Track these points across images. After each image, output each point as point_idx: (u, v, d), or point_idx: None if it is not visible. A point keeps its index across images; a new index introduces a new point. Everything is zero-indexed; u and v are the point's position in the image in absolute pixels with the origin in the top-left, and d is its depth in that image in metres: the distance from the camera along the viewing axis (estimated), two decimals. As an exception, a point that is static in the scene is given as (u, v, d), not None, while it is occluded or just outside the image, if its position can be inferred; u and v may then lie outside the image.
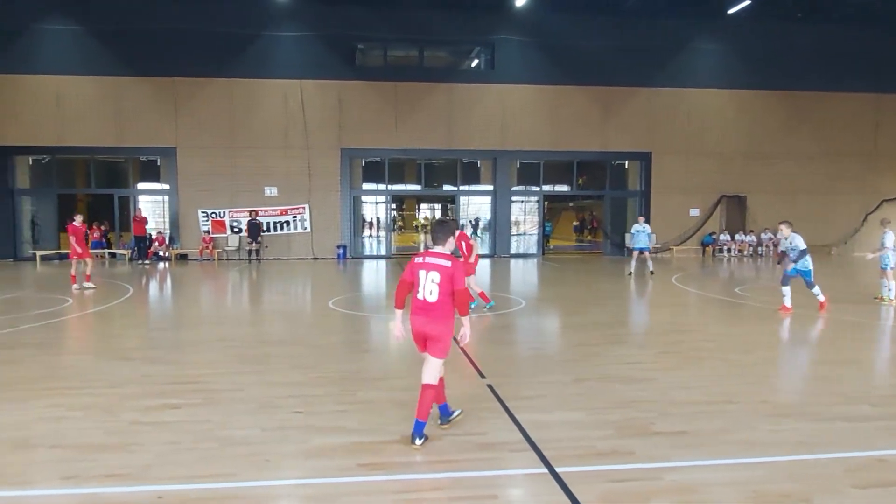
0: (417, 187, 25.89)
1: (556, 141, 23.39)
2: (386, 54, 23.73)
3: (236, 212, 21.90)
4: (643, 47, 23.02)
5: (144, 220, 21.32)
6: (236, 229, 21.94)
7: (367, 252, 24.98)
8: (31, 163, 22.69)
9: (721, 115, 24.09)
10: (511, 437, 4.87)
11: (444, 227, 4.94)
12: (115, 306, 11.90)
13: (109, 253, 22.64)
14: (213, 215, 21.78)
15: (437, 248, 4.87)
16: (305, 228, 22.20)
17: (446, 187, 25.86)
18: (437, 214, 34.34)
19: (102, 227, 23.31)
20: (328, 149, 22.40)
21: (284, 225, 22.16)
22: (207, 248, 21.59)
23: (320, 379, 6.57)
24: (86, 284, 13.79)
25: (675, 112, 23.86)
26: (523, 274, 19.26)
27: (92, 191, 23.70)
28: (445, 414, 5.05)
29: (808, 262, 10.57)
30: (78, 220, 14.09)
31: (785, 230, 10.74)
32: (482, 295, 10.96)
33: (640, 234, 16.91)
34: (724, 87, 23.99)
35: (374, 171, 23.77)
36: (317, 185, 22.40)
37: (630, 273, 16.66)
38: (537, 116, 23.33)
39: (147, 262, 20.85)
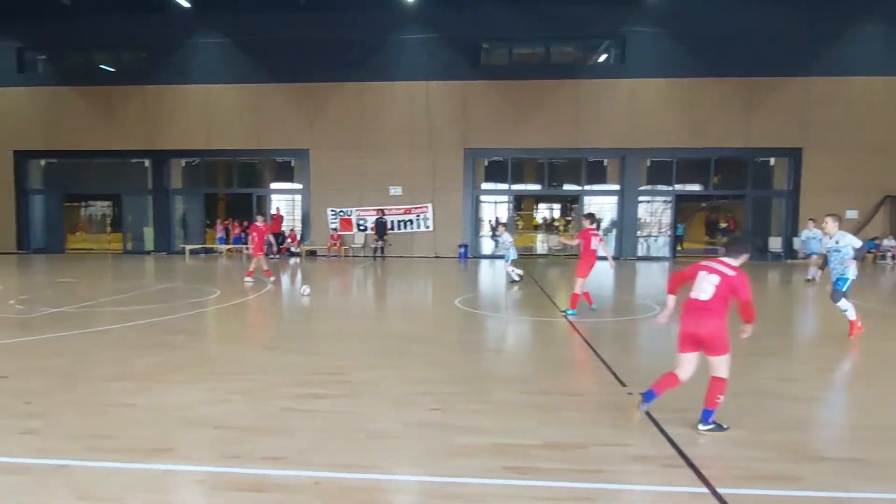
0: (537, 187, 25.57)
1: (691, 137, 22.10)
2: (511, 52, 23.60)
3: (363, 210, 22.79)
4: (796, 32, 21.12)
5: (280, 218, 22.78)
6: (362, 227, 22.84)
7: (487, 252, 25.03)
8: (183, 165, 24.97)
9: (887, 106, 21.58)
10: (662, 451, 4.57)
11: (740, 244, 5.08)
12: (256, 299, 12.72)
13: (248, 248, 24.35)
14: (341, 213, 22.83)
15: (727, 259, 5.00)
16: (428, 227, 22.66)
17: (567, 187, 25.33)
18: (556, 214, 33.81)
19: (245, 224, 25.10)
20: (452, 149, 22.70)
21: (408, 223, 22.75)
22: (335, 245, 22.64)
23: (454, 377, 6.57)
24: (247, 279, 14.83)
25: (832, 104, 21.63)
26: (654, 278, 18.39)
27: (233, 190, 25.64)
28: (649, 398, 5.08)
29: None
30: (259, 220, 15.28)
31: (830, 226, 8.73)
32: (586, 296, 10.59)
33: (813, 241, 15.55)
34: (894, 74, 21.45)
35: (496, 171, 23.74)
36: (440, 184, 22.76)
37: (811, 279, 15.15)
38: (670, 112, 22.19)
39: (279, 257, 22.23)
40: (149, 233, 24.79)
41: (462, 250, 22.62)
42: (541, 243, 26.84)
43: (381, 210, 22.48)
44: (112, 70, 24.99)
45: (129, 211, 25.84)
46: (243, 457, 4.40)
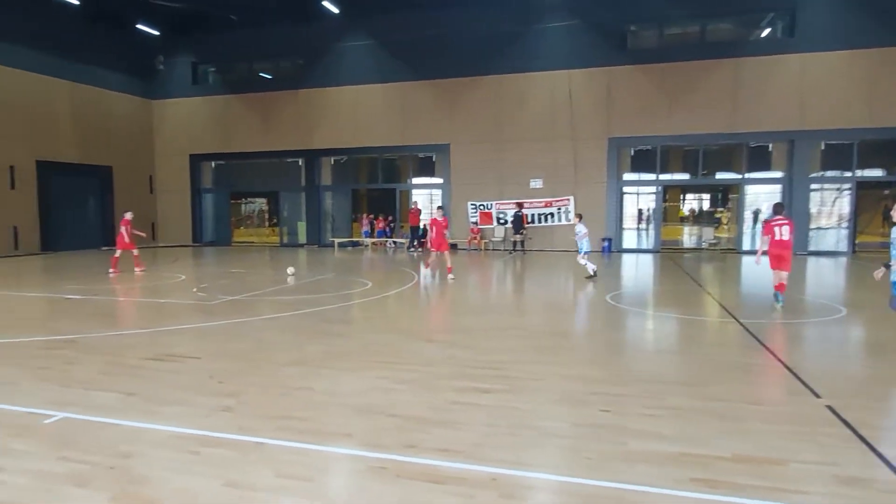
0: (685, 176, 24.03)
1: (875, 115, 19.56)
2: (661, 33, 22.32)
3: (502, 204, 22.78)
4: None
5: (419, 212, 23.41)
6: (502, 220, 22.83)
7: (631, 245, 24.01)
8: (332, 163, 26.46)
9: None
10: (878, 475, 4.01)
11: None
12: (405, 291, 13.11)
13: (392, 242, 25.32)
14: (481, 207, 22.98)
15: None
16: (570, 220, 22.08)
17: (721, 175, 23.53)
18: (706, 206, 31.60)
19: (389, 219, 26.10)
20: (595, 139, 21.99)
21: (549, 217, 22.38)
22: (475, 238, 22.85)
23: (619, 377, 6.29)
24: (450, 276, 14.29)
25: None
26: (834, 275, 16.58)
27: (378, 186, 26.76)
28: None
29: None
30: (438, 213, 15.02)
31: None
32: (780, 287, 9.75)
33: None
34: None
35: (642, 161, 22.66)
36: (582, 176, 22.16)
37: None
38: (850, 87, 19.83)
39: (420, 250, 22.83)
40: (302, 227, 26.61)
41: (606, 244, 21.85)
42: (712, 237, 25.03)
43: (520, 203, 22.32)
44: (269, 77, 27.07)
45: (286, 207, 27.94)
46: (419, 447, 4.47)
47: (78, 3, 22.35)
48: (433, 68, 23.36)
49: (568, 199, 22.15)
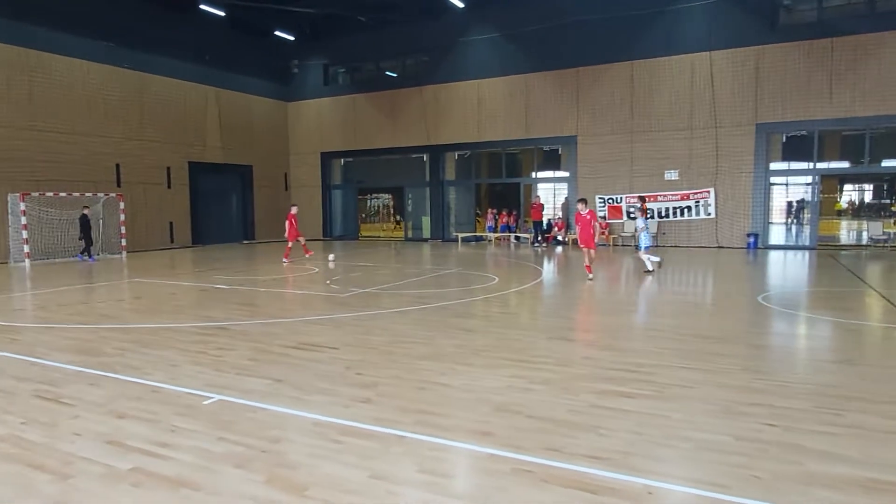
0: (845, 164, 21.58)
1: None
2: (821, 6, 20.00)
3: (632, 197, 21.72)
4: None
5: (541, 207, 22.90)
6: (632, 215, 21.77)
7: (779, 241, 21.96)
8: (455, 157, 26.65)
9: None
10: None
11: None
12: (533, 287, 12.81)
13: (515, 237, 25.05)
14: (610, 201, 22.06)
15: None
16: (709, 214, 20.63)
17: (888, 163, 20.83)
18: (868, 198, 28.18)
19: (513, 213, 25.84)
20: (740, 125, 20.31)
21: (685, 210, 21.02)
22: (603, 233, 21.99)
23: (783, 388, 5.62)
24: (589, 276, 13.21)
25: None
26: None
27: (502, 180, 26.58)
28: None
29: None
30: (581, 207, 13.56)
31: None
32: None
33: None
34: None
35: (795, 148, 20.63)
36: (725, 166, 20.57)
37: None
38: None
39: (544, 245, 22.36)
40: (426, 221, 27.07)
41: (751, 240, 20.10)
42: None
43: (642, 197, 21.05)
44: (395, 75, 27.75)
45: (410, 202, 28.57)
46: (564, 451, 4.22)
47: (223, 14, 24.14)
48: (558, 58, 22.74)
49: (708, 192, 20.62)
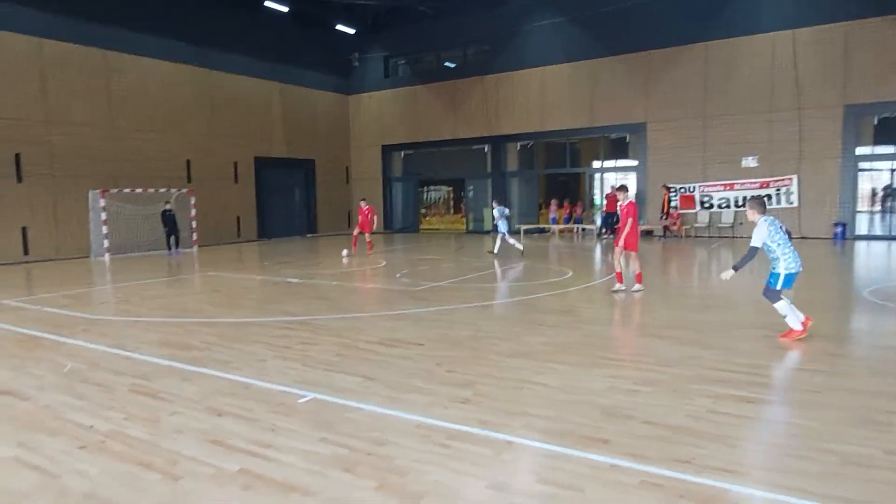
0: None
1: None
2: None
3: (707, 186, 20.74)
4: None
5: (615, 198, 22.17)
6: (707, 205, 20.80)
7: (870, 231, 20.54)
8: (518, 148, 26.15)
9: None
10: None
11: None
12: (610, 281, 12.30)
13: (581, 228, 24.40)
14: (682, 190, 21.11)
15: None
16: (791, 203, 19.43)
17: None
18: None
19: (577, 204, 25.17)
20: (826, 107, 19.01)
21: (764, 199, 19.82)
22: (675, 224, 21.14)
23: (928, 394, 5.07)
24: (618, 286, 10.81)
25: None
26: None
27: (566, 170, 25.91)
28: None
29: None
30: (622, 197, 11.26)
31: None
32: None
33: None
34: None
35: (889, 131, 19.21)
36: (809, 151, 19.34)
37: None
38: None
39: (613, 237, 21.61)
40: (488, 213, 26.68)
41: (839, 230, 18.84)
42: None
43: (730, 185, 20.10)
44: (455, 66, 27.43)
45: (471, 193, 28.24)
46: (694, 463, 3.84)
47: (286, 10, 24.36)
48: (626, 42, 21.88)
49: (790, 179, 19.41)
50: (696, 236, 21.49)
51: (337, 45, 28.30)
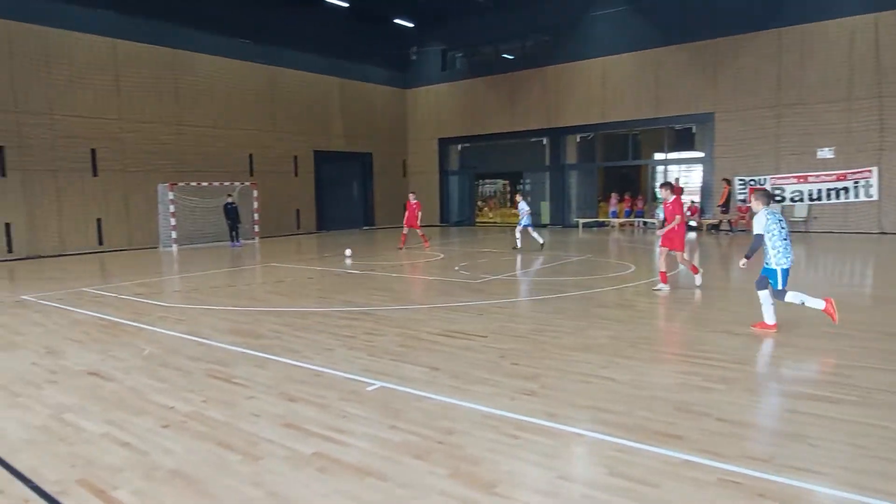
0: None
1: None
2: None
3: (779, 178, 19.83)
4: None
5: (681, 190, 21.48)
6: (778, 198, 19.90)
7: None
8: (577, 140, 25.74)
9: None
10: None
11: None
12: (675, 276, 11.98)
13: (642, 222, 23.86)
14: (752, 183, 20.25)
15: None
16: (870, 196, 18.36)
17: None
18: None
19: (640, 197, 24.61)
20: (910, 94, 17.92)
21: (841, 192, 18.89)
22: (742, 218, 20.34)
23: None
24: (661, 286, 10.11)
25: None
26: None
27: (628, 162, 25.31)
28: None
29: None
30: (664, 193, 10.50)
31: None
32: None
33: None
34: None
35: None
36: (891, 142, 18.26)
37: None
38: None
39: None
40: (545, 207, 26.43)
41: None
42: None
43: (804, 177, 19.17)
44: (513, 58, 27.20)
45: (528, 186, 28.00)
46: (774, 462, 3.71)
47: (346, 4, 24.70)
48: (693, 29, 21.14)
49: (869, 171, 18.33)
50: (766, 231, 20.60)
51: (395, 39, 28.53)
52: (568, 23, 24.23)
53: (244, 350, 6.65)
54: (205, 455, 3.98)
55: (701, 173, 21.92)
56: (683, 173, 23.61)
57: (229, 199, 20.17)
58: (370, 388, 5.26)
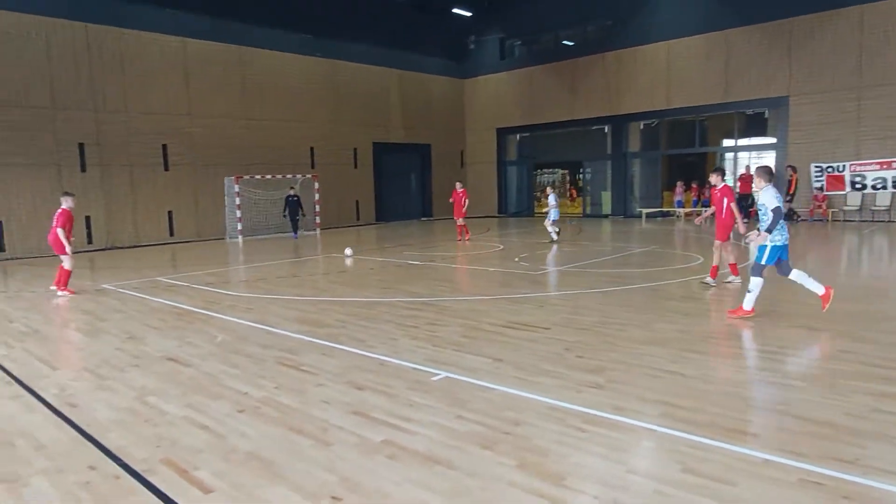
0: None
1: None
2: None
3: (860, 165, 18.67)
4: None
5: (750, 178, 20.61)
6: (858, 185, 18.76)
7: None
8: (641, 127, 25.03)
9: None
10: None
11: None
12: (747, 268, 11.52)
13: (710, 212, 22.95)
14: (829, 170, 19.15)
15: None
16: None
17: None
18: None
19: (705, 187, 23.71)
20: None
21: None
22: (820, 207, 19.32)
23: None
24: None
25: None
26: None
27: (695, 150, 24.39)
28: None
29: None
30: (714, 179, 10.13)
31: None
32: None
33: None
34: None
35: None
36: None
37: None
38: None
39: (746, 221, 20.10)
40: (606, 197, 25.88)
41: None
42: None
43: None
44: (573, 44, 26.65)
45: (589, 176, 27.47)
46: (859, 464, 3.53)
47: (406, -4, 24.82)
48: (767, 9, 20.06)
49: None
50: (845, 220, 19.52)
51: (453, 29, 28.45)
52: (630, 6, 23.52)
53: (310, 339, 6.82)
54: (278, 439, 4.12)
55: (773, 159, 20.85)
56: (754, 160, 22.51)
57: (291, 192, 20.65)
58: (435, 378, 5.30)
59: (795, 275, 7.02)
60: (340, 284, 10.78)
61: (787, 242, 6.93)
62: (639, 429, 4.15)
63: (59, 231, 10.15)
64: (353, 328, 7.29)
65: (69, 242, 10.28)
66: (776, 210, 6.69)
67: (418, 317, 7.82)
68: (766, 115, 21.49)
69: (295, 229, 20.66)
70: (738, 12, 20.78)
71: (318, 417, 4.48)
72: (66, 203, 10.33)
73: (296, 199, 20.57)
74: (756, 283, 6.96)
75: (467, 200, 17.68)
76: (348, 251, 14.77)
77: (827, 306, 6.94)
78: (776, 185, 7.10)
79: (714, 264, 9.44)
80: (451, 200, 17.79)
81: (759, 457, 3.67)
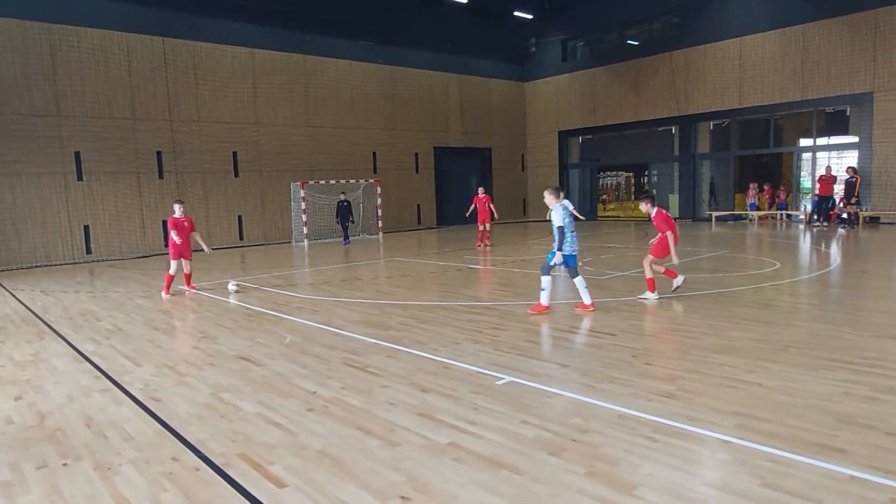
0: None
1: None
2: None
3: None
4: None
5: (833, 179, 19.52)
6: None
7: None
8: (710, 128, 24.17)
9: None
10: None
11: None
12: (827, 274, 10.96)
13: (786, 214, 21.98)
14: (918, 169, 18.01)
15: None
16: None
17: None
18: None
19: (783, 188, 22.67)
20: None
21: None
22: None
23: None
24: None
25: None
26: None
27: (769, 150, 23.34)
28: None
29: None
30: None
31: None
32: None
33: None
34: None
35: None
36: None
37: None
38: None
39: (824, 225, 19.14)
40: (674, 199, 25.10)
41: None
42: None
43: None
44: (638, 44, 26.03)
45: (655, 178, 26.73)
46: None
47: (465, 1, 24.84)
48: (846, 1, 19.06)
49: None
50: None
51: (514, 32, 28.33)
52: (699, 3, 22.78)
53: (374, 340, 6.92)
54: (347, 438, 4.19)
55: (856, 159, 19.65)
56: (834, 160, 21.31)
57: (342, 197, 20.48)
58: (500, 382, 5.27)
59: (578, 280, 8.12)
60: (402, 288, 10.90)
61: (575, 252, 8.11)
62: (714, 440, 3.99)
63: (172, 233, 10.66)
64: (416, 331, 7.34)
65: (172, 247, 10.71)
66: (559, 229, 7.90)
67: (480, 321, 7.80)
68: (848, 113, 20.30)
69: (346, 236, 20.22)
70: (815, 5, 19.74)
71: (385, 418, 4.53)
72: (174, 210, 10.78)
73: (346, 204, 20.27)
74: (547, 281, 8.04)
75: (491, 205, 17.60)
76: (232, 286, 11.11)
77: (540, 314, 7.94)
78: (564, 205, 8.09)
79: (649, 276, 8.90)
80: (472, 206, 17.74)
81: (846, 473, 3.46)
